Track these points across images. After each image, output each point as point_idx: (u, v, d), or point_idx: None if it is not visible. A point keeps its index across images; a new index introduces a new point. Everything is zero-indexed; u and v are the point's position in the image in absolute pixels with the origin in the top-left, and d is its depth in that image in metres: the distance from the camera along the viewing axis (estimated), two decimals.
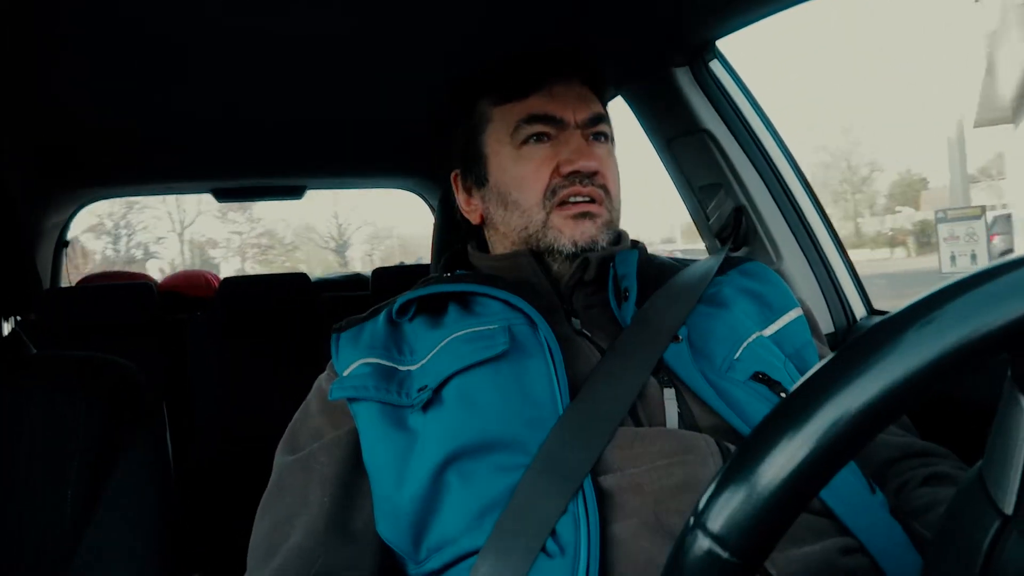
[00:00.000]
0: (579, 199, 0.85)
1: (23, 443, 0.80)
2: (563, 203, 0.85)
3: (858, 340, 0.32)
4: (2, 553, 0.76)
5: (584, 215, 0.85)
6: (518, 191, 0.88)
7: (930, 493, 0.73)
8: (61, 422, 0.81)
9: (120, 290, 2.40)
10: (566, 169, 0.85)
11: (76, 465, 0.80)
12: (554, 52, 0.92)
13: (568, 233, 0.85)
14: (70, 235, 2.65)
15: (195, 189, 2.79)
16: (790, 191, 1.37)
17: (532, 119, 0.87)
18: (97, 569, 0.79)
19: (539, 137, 0.87)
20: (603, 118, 0.90)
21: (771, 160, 1.37)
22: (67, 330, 2.13)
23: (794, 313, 0.87)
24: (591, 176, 0.85)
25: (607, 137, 0.91)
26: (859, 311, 1.38)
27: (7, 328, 0.89)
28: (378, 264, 4.01)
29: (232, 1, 1.13)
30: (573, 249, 0.85)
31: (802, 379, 0.33)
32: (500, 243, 0.94)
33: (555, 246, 0.85)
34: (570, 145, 0.86)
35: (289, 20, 1.21)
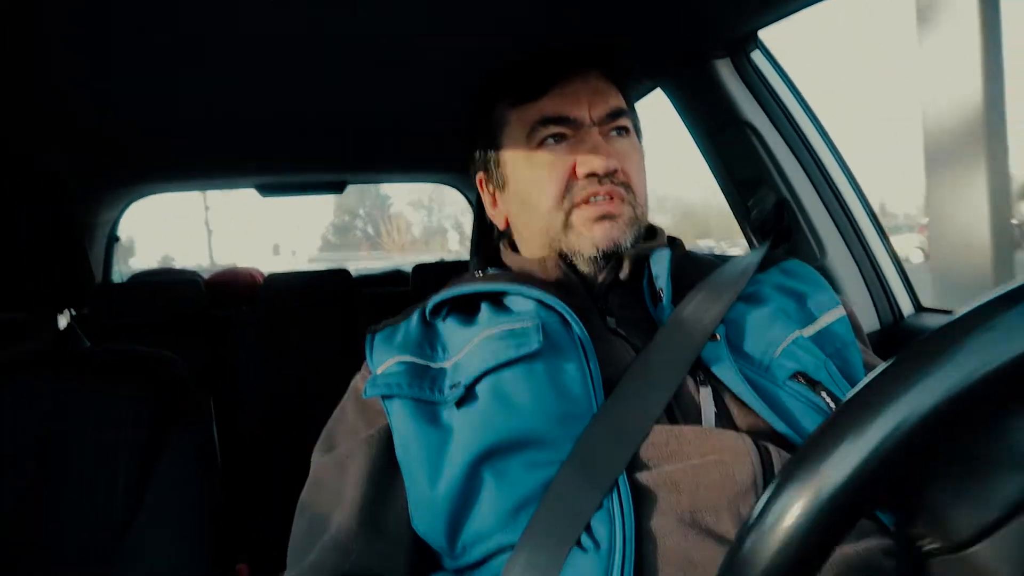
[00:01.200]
0: (598, 199, 0.84)
1: (76, 434, 0.82)
2: (582, 204, 0.84)
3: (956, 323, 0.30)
4: (54, 542, 0.79)
5: (604, 217, 0.83)
6: (536, 194, 0.87)
7: None
8: (112, 414, 0.84)
9: (168, 285, 2.46)
10: (582, 170, 0.83)
11: (126, 456, 0.83)
12: (566, 49, 0.90)
13: (588, 236, 0.84)
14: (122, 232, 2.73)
15: (240, 184, 2.85)
16: (834, 184, 1.34)
17: (546, 121, 0.86)
18: (145, 557, 0.81)
19: (555, 138, 0.86)
20: (622, 112, 0.88)
21: (815, 153, 1.34)
22: (117, 324, 2.20)
23: (836, 313, 0.85)
24: (610, 175, 0.83)
25: (629, 130, 0.89)
26: (906, 308, 1.35)
27: (63, 322, 0.92)
28: None
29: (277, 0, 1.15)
30: (595, 253, 0.84)
31: (880, 367, 0.32)
32: (526, 245, 0.93)
33: (576, 250, 0.85)
34: (586, 144, 0.84)
35: (331, 19, 1.22)
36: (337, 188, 2.78)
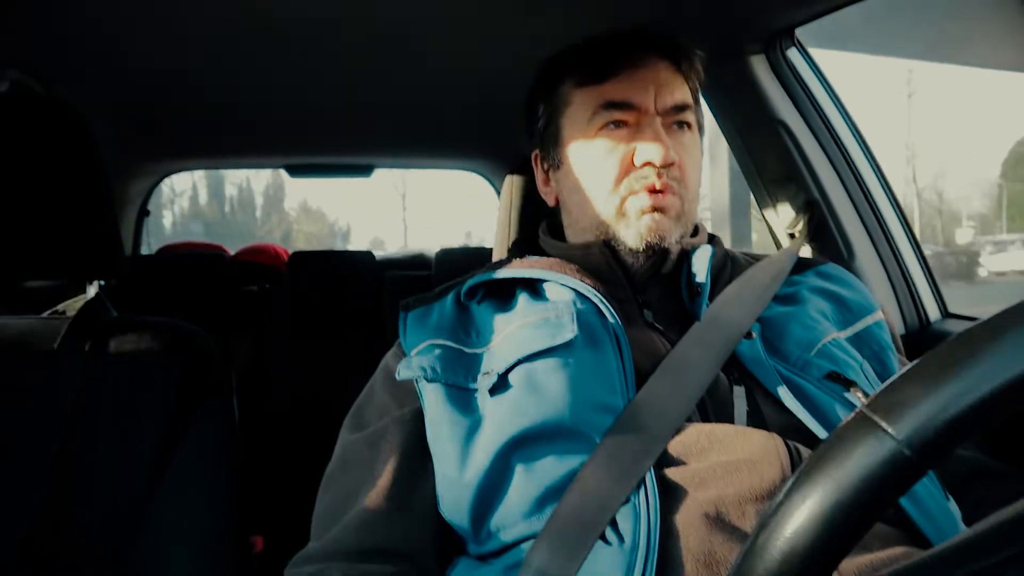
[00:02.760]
0: (653, 191, 0.82)
1: (102, 402, 0.84)
2: (636, 192, 0.83)
3: None
4: (77, 512, 0.80)
5: (655, 209, 0.82)
6: (591, 178, 0.86)
7: None
8: (138, 384, 0.86)
9: (195, 259, 2.50)
10: (640, 160, 0.82)
11: (151, 426, 0.84)
12: (640, 33, 0.88)
13: (636, 226, 0.82)
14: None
15: (270, 164, 2.87)
16: (866, 186, 1.32)
17: (609, 105, 0.84)
18: (167, 529, 0.83)
19: (616, 124, 0.85)
20: (687, 106, 0.86)
21: (848, 154, 1.32)
22: (143, 296, 2.23)
23: (875, 316, 0.84)
24: (667, 167, 0.82)
25: (691, 126, 0.87)
26: (933, 313, 1.33)
27: (92, 291, 0.94)
28: None
29: None
30: (640, 244, 0.82)
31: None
32: (572, 228, 0.93)
33: (622, 238, 0.84)
34: (647, 134, 0.82)
35: (362, 5, 1.23)
36: (365, 171, 2.80)
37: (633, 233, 0.83)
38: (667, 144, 0.82)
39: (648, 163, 0.81)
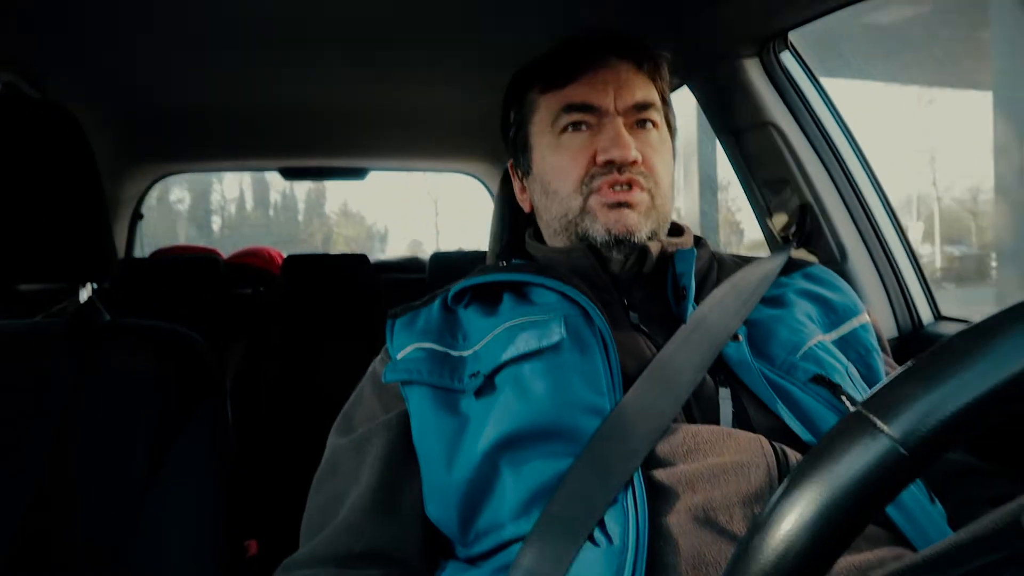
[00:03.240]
0: (617, 188, 0.83)
1: (94, 405, 0.84)
2: (599, 191, 0.84)
3: None
4: (69, 515, 0.80)
5: (620, 204, 0.83)
6: (556, 180, 0.87)
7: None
8: (130, 388, 0.85)
9: (188, 262, 2.49)
10: (602, 158, 0.83)
11: (143, 432, 0.84)
12: (601, 36, 0.90)
13: (603, 220, 0.83)
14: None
15: (264, 167, 2.87)
16: (858, 189, 1.33)
17: (570, 108, 0.86)
18: (158, 533, 0.82)
19: (576, 126, 0.86)
20: (650, 104, 0.87)
21: (840, 157, 1.33)
22: (136, 300, 2.22)
23: (860, 319, 0.84)
24: (630, 165, 0.83)
25: (656, 124, 0.88)
26: (926, 316, 1.33)
27: (84, 295, 0.93)
28: None
29: None
30: (607, 237, 0.83)
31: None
32: (547, 231, 0.93)
33: (590, 233, 0.84)
34: (608, 133, 0.84)
35: (354, 8, 1.23)
36: (359, 175, 2.80)
37: (600, 227, 0.83)
38: (628, 142, 0.83)
39: (610, 161, 0.82)
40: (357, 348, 1.27)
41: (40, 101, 0.88)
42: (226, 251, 2.99)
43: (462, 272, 0.89)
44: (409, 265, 2.97)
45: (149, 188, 2.71)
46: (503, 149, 1.00)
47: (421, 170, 3.10)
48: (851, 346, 0.82)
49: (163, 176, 2.72)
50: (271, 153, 2.55)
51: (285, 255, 2.56)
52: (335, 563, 0.69)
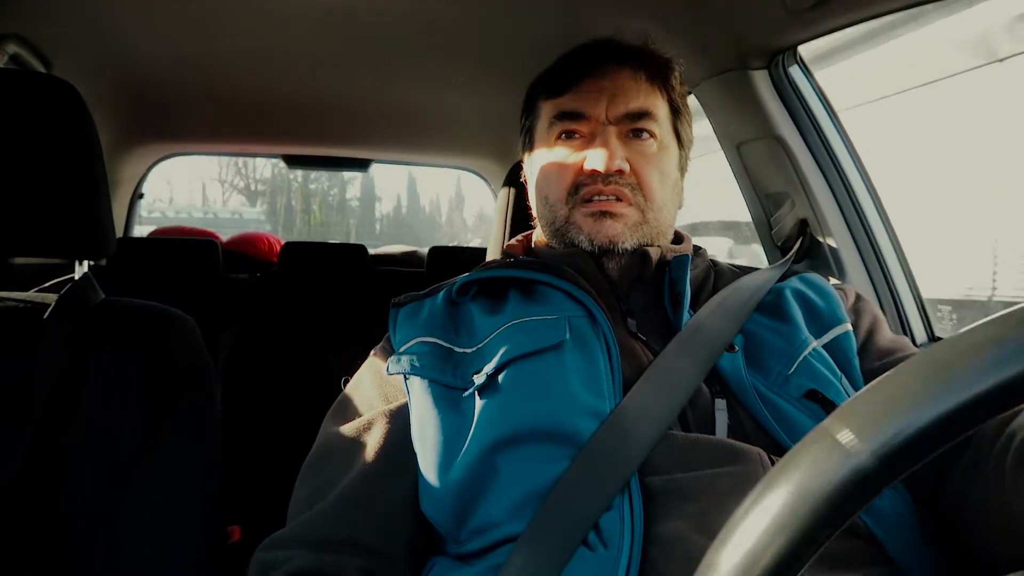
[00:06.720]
0: (601, 198, 0.83)
1: (85, 383, 0.83)
2: (586, 201, 0.84)
3: None
4: (52, 493, 0.80)
5: (603, 214, 0.83)
6: (548, 187, 0.88)
7: None
8: (120, 367, 0.85)
9: (186, 245, 2.48)
10: (587, 167, 0.83)
11: (131, 412, 0.83)
12: (605, 44, 0.90)
13: (586, 230, 0.84)
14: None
15: (268, 153, 2.87)
16: (859, 206, 1.33)
17: (563, 116, 0.87)
18: (140, 513, 0.82)
19: (570, 134, 0.87)
20: (645, 113, 0.86)
21: (844, 174, 1.33)
22: (132, 279, 2.22)
23: (843, 327, 0.84)
24: (616, 175, 0.83)
25: (652, 133, 0.87)
26: (920, 336, 1.33)
27: (79, 272, 0.93)
28: None
29: None
30: (590, 247, 0.84)
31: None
32: (542, 235, 0.95)
33: (576, 242, 0.85)
34: (596, 143, 0.84)
35: (365, 1, 1.23)
36: (362, 166, 2.80)
37: (584, 238, 0.84)
38: (615, 152, 0.83)
39: (594, 170, 0.83)
40: (350, 338, 1.27)
41: (44, 75, 0.88)
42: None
43: (461, 267, 0.89)
44: (408, 258, 2.97)
45: (151, 168, 2.70)
46: (506, 148, 1.01)
47: (425, 165, 3.09)
48: (833, 355, 0.82)
49: (166, 157, 2.71)
50: (275, 138, 2.55)
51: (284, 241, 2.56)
52: (315, 547, 0.69)
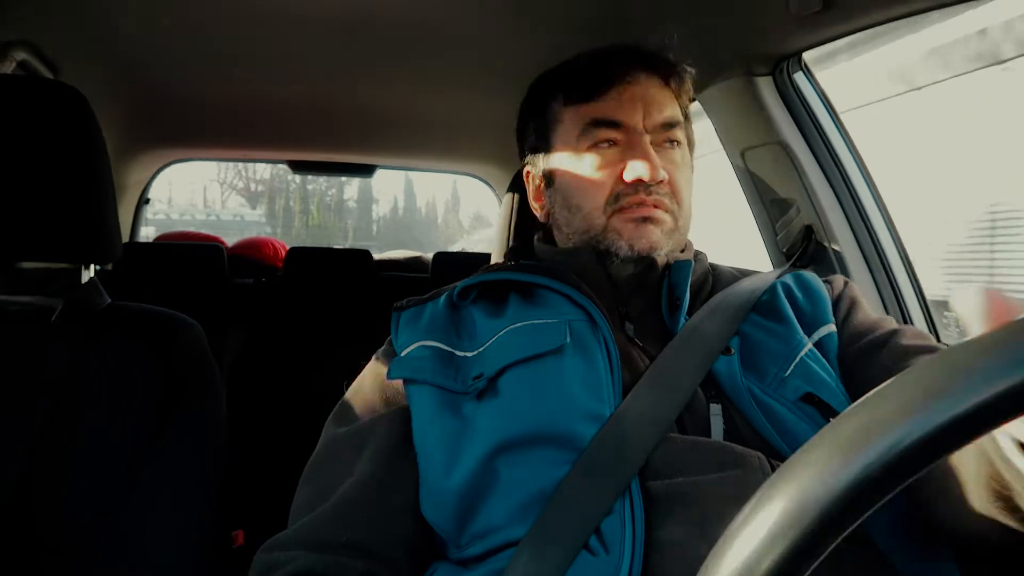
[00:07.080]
0: (642, 206, 0.83)
1: (89, 386, 0.84)
2: (625, 210, 0.83)
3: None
4: (56, 495, 0.80)
5: (646, 219, 0.82)
6: (581, 196, 0.86)
7: None
8: (126, 371, 0.85)
9: (192, 250, 2.49)
10: (630, 177, 0.82)
11: (136, 416, 0.84)
12: (628, 50, 0.89)
13: (627, 236, 0.83)
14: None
15: (273, 159, 2.88)
16: (865, 212, 1.33)
17: (598, 123, 0.85)
18: (144, 516, 0.82)
19: (606, 142, 0.85)
20: (676, 123, 0.87)
21: (849, 180, 1.33)
22: (137, 284, 2.22)
23: (828, 328, 0.84)
24: (656, 185, 0.82)
25: (681, 143, 0.88)
26: None
27: (85, 276, 0.93)
28: None
29: None
30: (631, 253, 0.82)
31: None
32: (563, 242, 0.93)
33: (612, 249, 0.84)
34: (636, 151, 0.83)
35: (369, 7, 1.23)
36: (367, 171, 2.81)
37: (624, 244, 0.83)
38: (656, 162, 0.82)
39: (638, 180, 0.82)
40: (355, 343, 1.27)
41: (52, 81, 0.89)
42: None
43: (465, 272, 0.89)
44: (413, 264, 2.97)
45: (157, 173, 2.71)
46: (510, 153, 1.00)
47: (429, 170, 3.10)
48: (824, 353, 0.82)
49: (172, 162, 2.73)
50: (281, 145, 2.56)
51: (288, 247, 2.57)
52: (317, 548, 0.69)
